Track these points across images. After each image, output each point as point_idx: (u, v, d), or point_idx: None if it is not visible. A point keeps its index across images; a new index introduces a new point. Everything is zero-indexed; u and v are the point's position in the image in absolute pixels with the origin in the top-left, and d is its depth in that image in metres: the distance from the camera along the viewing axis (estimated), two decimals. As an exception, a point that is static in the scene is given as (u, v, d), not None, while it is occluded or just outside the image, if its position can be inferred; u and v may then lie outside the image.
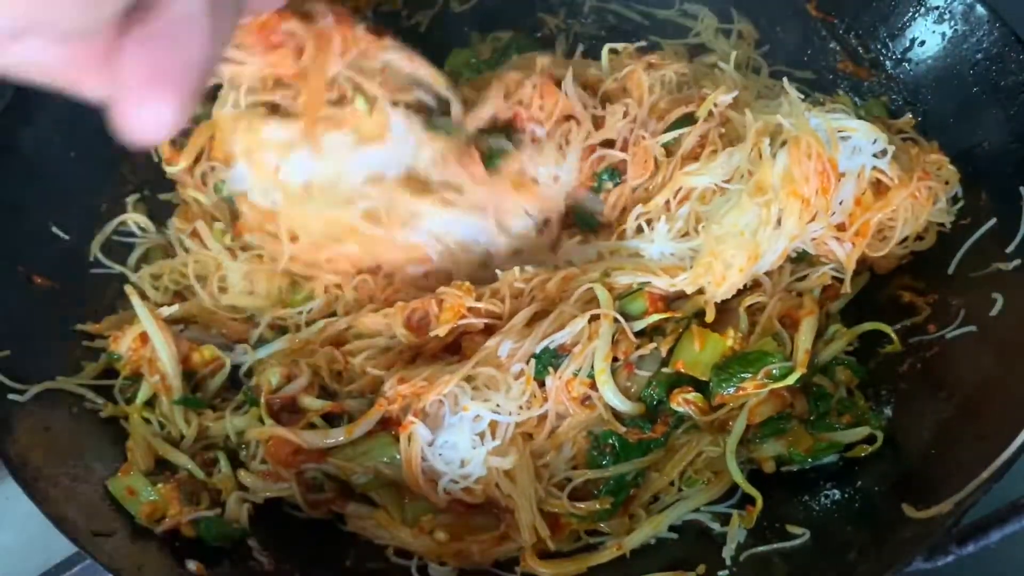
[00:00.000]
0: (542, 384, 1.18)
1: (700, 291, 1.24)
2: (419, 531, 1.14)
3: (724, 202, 1.24)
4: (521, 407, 1.16)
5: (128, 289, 1.34)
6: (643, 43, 1.54)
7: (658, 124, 1.36)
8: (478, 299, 1.22)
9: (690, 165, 1.29)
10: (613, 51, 1.48)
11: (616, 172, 1.37)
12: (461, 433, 1.14)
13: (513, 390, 1.16)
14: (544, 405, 1.17)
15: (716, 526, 1.16)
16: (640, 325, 1.23)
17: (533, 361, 1.18)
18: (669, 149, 1.35)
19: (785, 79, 1.32)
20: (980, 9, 1.38)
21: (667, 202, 1.30)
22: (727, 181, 1.25)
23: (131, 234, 1.49)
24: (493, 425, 1.16)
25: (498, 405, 1.15)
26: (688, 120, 1.35)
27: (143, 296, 1.34)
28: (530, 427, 1.19)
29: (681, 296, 1.25)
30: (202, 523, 1.13)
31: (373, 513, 1.18)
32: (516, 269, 1.25)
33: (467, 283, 1.23)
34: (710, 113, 1.33)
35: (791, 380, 1.17)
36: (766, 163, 1.18)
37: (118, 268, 1.44)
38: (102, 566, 1.02)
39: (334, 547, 1.19)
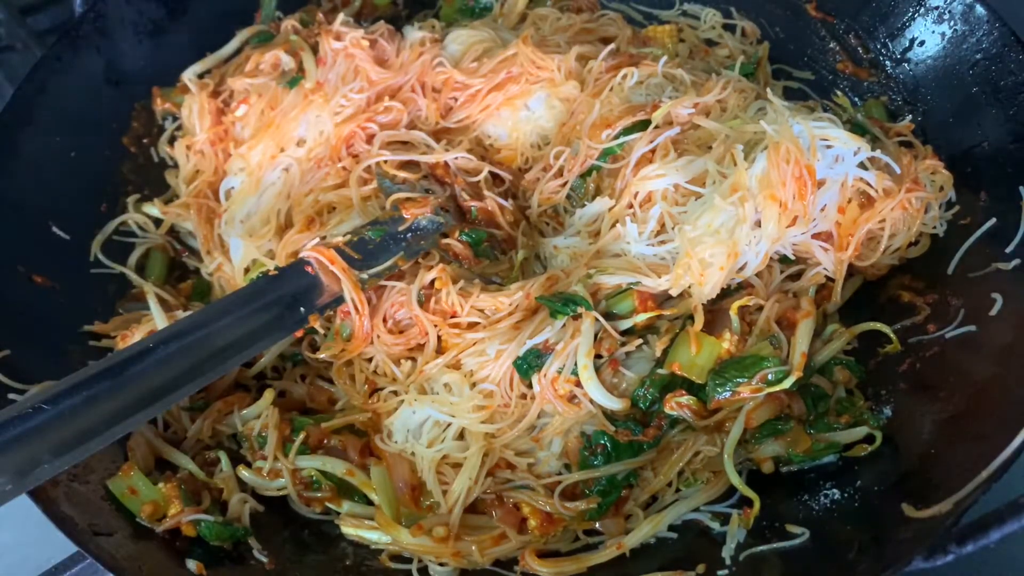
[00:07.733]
0: (529, 384, 1.21)
1: (690, 293, 1.23)
2: (418, 529, 1.14)
3: (698, 206, 1.24)
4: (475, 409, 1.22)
5: (146, 289, 1.35)
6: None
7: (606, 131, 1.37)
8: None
9: (645, 168, 1.29)
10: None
11: None
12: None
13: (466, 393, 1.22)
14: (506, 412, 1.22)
15: (716, 525, 1.16)
16: (627, 323, 1.23)
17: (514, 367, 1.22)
18: (617, 157, 1.35)
19: (769, 89, 1.32)
20: (980, 9, 1.38)
21: (630, 204, 1.30)
22: (701, 186, 1.25)
23: (131, 234, 1.50)
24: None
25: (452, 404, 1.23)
26: (641, 127, 1.35)
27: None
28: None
29: (670, 296, 1.25)
30: (203, 523, 1.13)
31: (372, 512, 1.19)
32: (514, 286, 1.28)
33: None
34: (669, 122, 1.33)
35: (787, 384, 1.17)
36: (740, 166, 1.18)
37: (118, 268, 1.44)
38: (102, 565, 1.02)
39: (334, 547, 1.19)
